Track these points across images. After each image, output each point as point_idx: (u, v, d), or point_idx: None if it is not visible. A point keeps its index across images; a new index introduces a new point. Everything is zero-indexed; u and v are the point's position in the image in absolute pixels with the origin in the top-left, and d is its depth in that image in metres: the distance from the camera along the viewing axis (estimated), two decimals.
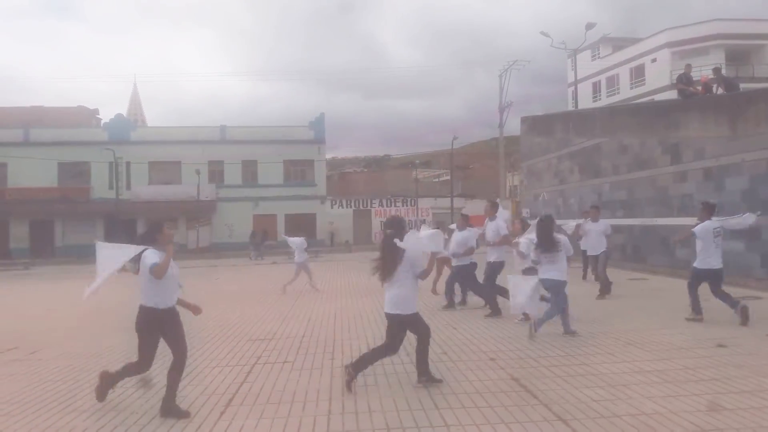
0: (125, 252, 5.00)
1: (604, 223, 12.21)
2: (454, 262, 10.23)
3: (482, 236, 10.26)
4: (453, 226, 11.18)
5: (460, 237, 10.08)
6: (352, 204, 43.36)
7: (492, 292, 9.58)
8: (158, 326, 4.95)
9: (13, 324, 10.55)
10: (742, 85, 18.55)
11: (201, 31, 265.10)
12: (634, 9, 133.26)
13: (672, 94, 27.87)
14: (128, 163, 38.13)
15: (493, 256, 9.65)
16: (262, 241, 33.09)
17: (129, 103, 52.75)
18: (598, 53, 46.58)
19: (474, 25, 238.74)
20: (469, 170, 54.25)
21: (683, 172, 15.03)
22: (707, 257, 8.32)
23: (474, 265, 9.96)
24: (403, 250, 5.33)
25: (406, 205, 43.79)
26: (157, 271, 4.78)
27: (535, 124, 24.70)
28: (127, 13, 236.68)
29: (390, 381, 5.74)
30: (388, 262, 5.40)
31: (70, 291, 17.10)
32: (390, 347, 5.53)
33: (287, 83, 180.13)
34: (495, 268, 9.61)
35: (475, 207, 42.82)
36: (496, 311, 9.32)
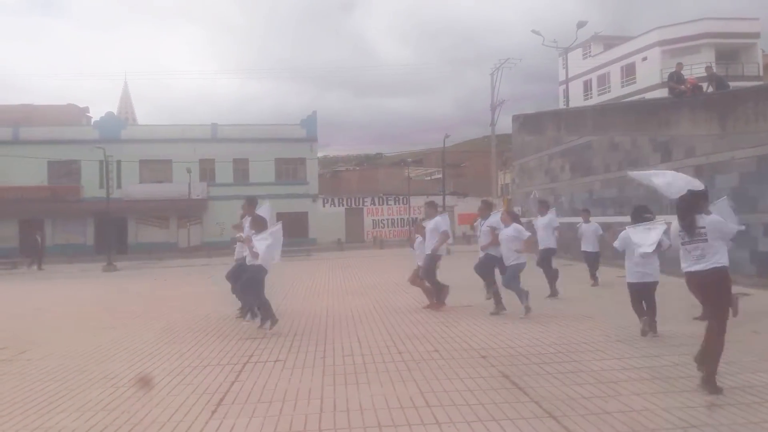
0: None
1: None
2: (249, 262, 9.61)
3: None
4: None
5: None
6: (344, 202, 43.34)
7: (261, 298, 8.73)
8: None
9: (2, 324, 10.49)
10: (732, 84, 18.67)
11: (191, 29, 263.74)
12: (624, 7, 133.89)
13: (663, 93, 28.07)
14: (119, 162, 37.83)
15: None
16: None
17: (119, 101, 52.53)
18: (590, 51, 46.78)
19: (465, 24, 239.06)
20: (461, 168, 54.22)
21: (674, 169, 15.09)
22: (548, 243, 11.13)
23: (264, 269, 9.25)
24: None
25: (399, 204, 43.81)
26: None
27: (527, 123, 24.73)
28: (115, 9, 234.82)
29: (381, 378, 5.74)
30: None
31: (59, 291, 17.02)
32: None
33: (278, 81, 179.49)
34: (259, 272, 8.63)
35: (467, 205, 43.02)
36: (271, 318, 8.50)
